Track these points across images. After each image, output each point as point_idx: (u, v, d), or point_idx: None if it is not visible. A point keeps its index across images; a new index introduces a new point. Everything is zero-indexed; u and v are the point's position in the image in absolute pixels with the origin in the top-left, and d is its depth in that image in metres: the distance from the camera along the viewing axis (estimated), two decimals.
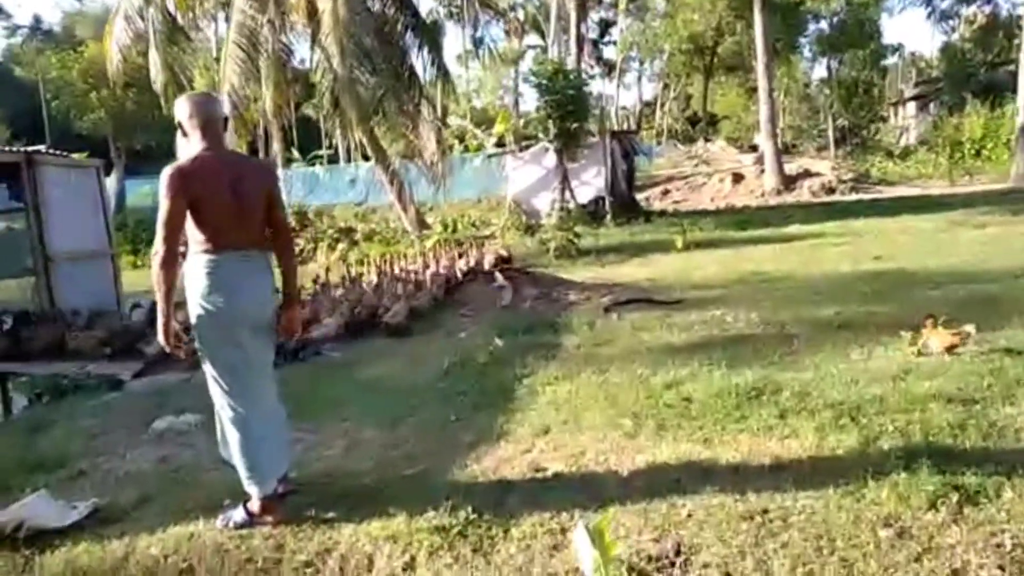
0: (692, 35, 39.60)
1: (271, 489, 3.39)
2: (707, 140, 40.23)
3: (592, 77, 36.11)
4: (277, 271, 3.60)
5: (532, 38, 44.39)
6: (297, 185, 27.04)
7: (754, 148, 33.09)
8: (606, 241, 14.55)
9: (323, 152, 30.55)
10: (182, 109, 3.33)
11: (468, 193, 23.54)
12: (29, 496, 3.64)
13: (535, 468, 3.82)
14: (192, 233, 3.24)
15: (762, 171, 25.95)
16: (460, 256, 10.35)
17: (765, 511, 3.14)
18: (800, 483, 3.35)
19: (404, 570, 3.04)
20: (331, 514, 3.43)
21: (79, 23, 45.90)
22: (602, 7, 48.04)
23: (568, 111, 16.43)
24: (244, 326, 3.30)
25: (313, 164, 29.86)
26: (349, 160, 29.92)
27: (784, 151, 29.44)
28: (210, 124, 3.32)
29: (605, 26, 51.37)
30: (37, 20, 65.84)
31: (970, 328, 5.12)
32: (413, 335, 7.48)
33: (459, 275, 9.40)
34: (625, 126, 46.53)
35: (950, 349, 5.04)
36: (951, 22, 42.46)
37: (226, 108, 3.45)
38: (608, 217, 17.15)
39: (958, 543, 2.77)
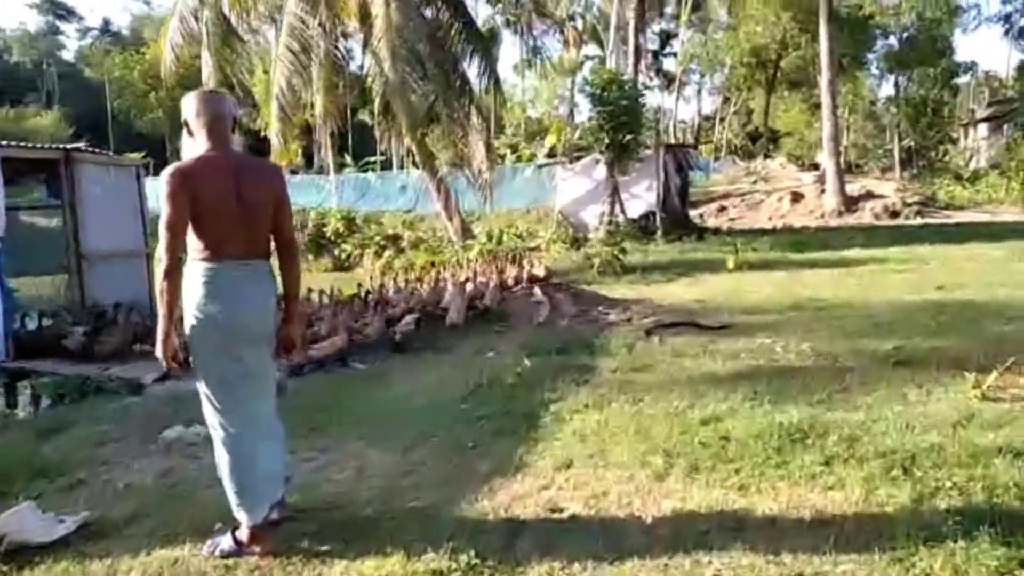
0: (755, 48, 38.75)
1: (261, 518, 3.15)
2: (767, 156, 39.42)
3: (649, 88, 35.58)
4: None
5: (591, 48, 44.09)
6: (348, 190, 27.19)
7: (815, 166, 32.25)
8: (655, 258, 14.14)
9: (376, 158, 30.66)
10: (188, 106, 3.13)
11: (518, 203, 23.27)
12: (15, 508, 3.46)
13: (551, 508, 3.53)
14: (191, 239, 3.03)
15: (823, 191, 25.16)
16: (500, 271, 10.09)
17: None
18: (842, 544, 3.02)
19: None
20: (325, 547, 3.19)
21: (146, 26, 47.35)
22: (664, 19, 47.53)
23: (621, 122, 16.06)
24: (242, 339, 3.08)
25: (366, 170, 29.98)
26: (402, 167, 29.99)
27: (847, 170, 28.55)
28: (217, 123, 3.12)
29: (666, 38, 50.83)
30: (106, 23, 68.18)
31: None
32: (441, 351, 7.23)
33: (498, 289, 9.12)
34: (682, 140, 45.85)
35: None
36: None
37: (233, 107, 3.23)
38: (659, 233, 16.72)
39: None
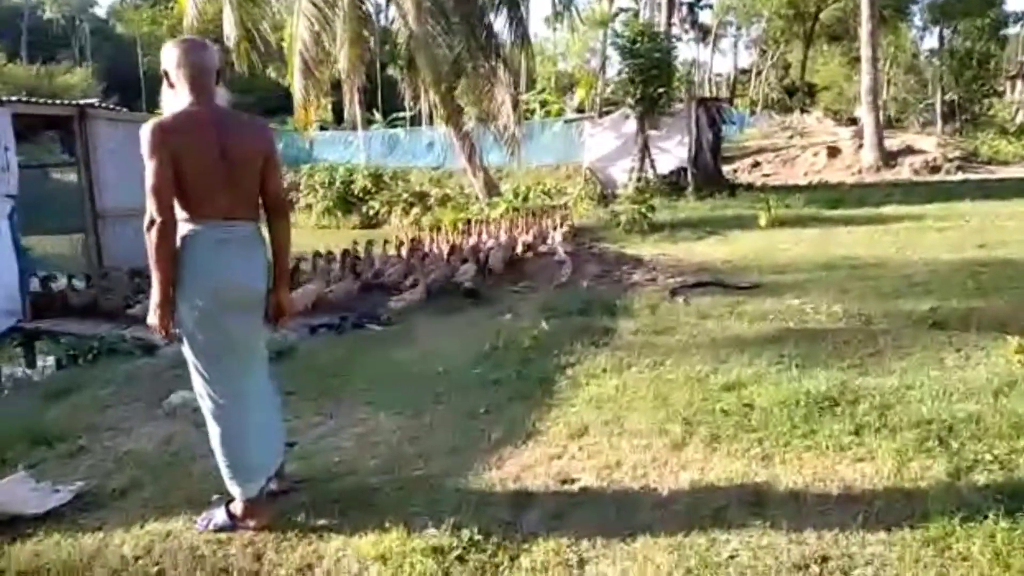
0: None
1: (255, 491, 3.01)
2: (804, 111, 38.36)
3: (680, 39, 34.65)
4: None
5: (625, 0, 43.00)
6: (376, 146, 26.95)
7: (854, 121, 31.28)
8: (685, 215, 13.75)
9: (405, 114, 30.31)
10: (169, 56, 2.92)
11: (547, 159, 22.87)
12: (8, 477, 3.38)
13: (562, 479, 3.36)
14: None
15: (860, 146, 24.35)
16: (527, 229, 9.85)
17: (824, 559, 2.62)
18: (871, 522, 2.82)
19: None
20: (323, 521, 3.06)
21: None
22: None
23: (652, 75, 15.55)
24: (228, 306, 2.90)
25: (395, 126, 29.65)
26: (431, 123, 29.63)
27: (886, 125, 27.64)
28: (200, 75, 2.91)
29: None
30: None
31: None
32: (460, 311, 7.06)
33: (519, 248, 8.91)
34: (717, 94, 44.80)
35: None
36: None
37: (216, 58, 3.01)
38: (689, 189, 16.25)
39: None
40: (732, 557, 2.66)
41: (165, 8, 35.65)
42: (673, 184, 16.50)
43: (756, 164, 25.79)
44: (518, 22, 16.20)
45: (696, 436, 3.68)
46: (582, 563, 2.71)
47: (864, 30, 23.00)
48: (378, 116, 30.03)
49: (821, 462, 3.33)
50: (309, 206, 23.83)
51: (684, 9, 43.43)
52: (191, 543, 2.97)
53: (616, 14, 40.12)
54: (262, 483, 3.04)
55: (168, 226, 2.77)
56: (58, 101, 8.65)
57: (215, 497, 3.21)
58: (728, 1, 45.26)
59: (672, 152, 17.26)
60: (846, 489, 3.09)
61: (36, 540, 3.07)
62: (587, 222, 13.01)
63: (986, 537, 2.61)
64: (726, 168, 21.29)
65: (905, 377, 4.34)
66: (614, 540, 2.81)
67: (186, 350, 2.97)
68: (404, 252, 9.55)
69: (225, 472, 3.00)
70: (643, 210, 11.88)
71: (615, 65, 19.28)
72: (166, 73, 2.93)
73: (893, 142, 24.49)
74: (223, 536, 2.98)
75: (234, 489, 3.01)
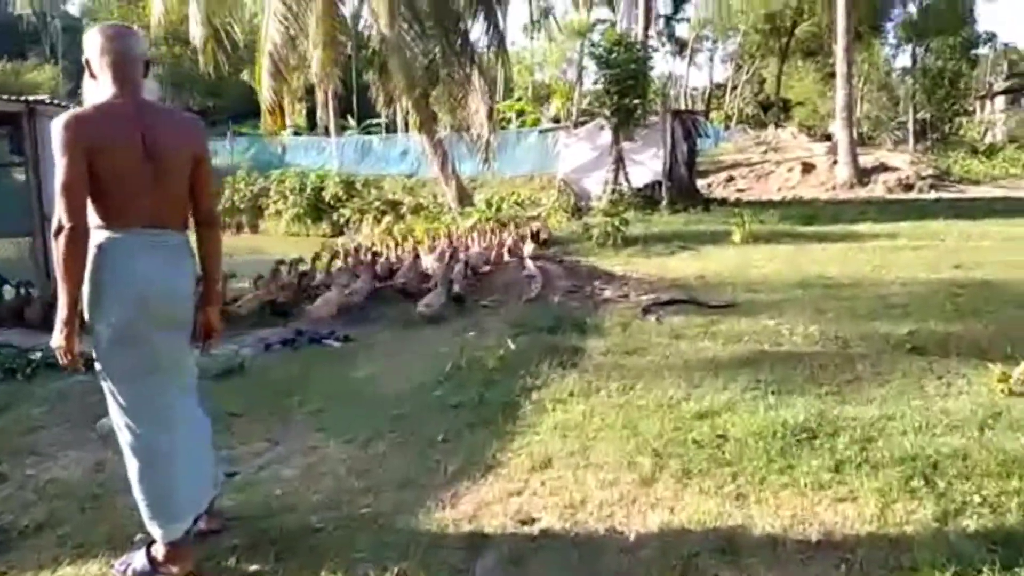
0: (769, 14, 37.74)
1: (179, 533, 2.70)
2: (778, 126, 38.52)
3: (656, 50, 34.69)
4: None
5: (603, 12, 43.00)
6: (350, 152, 26.58)
7: (827, 137, 31.38)
8: (658, 229, 13.57)
9: (380, 121, 29.97)
10: (91, 44, 2.63)
11: (522, 170, 22.67)
12: None
13: (522, 519, 3.09)
14: (88, 204, 2.54)
15: (834, 162, 24.41)
16: (497, 242, 9.59)
17: None
18: (854, 572, 2.61)
19: None
20: (255, 567, 2.77)
21: None
22: None
23: (628, 86, 15.40)
24: (150, 324, 2.60)
25: (369, 132, 29.31)
26: (406, 130, 29.34)
27: (859, 142, 27.75)
28: (124, 64, 2.62)
29: (679, 1, 49.58)
30: None
31: None
32: (423, 327, 6.77)
33: (487, 261, 8.65)
34: (693, 107, 44.89)
35: None
36: None
37: (144, 47, 2.72)
38: (664, 203, 16.09)
39: None
40: None
41: (137, 7, 35.01)
42: (647, 197, 16.32)
43: (730, 179, 25.76)
44: (495, 28, 15.97)
45: (667, 470, 3.44)
46: None
47: (839, 46, 23.08)
48: (352, 122, 29.69)
49: (799, 502, 3.10)
50: (279, 212, 23.41)
51: (661, 22, 43.66)
52: None
53: (594, 24, 40.16)
54: (188, 524, 2.73)
55: (79, 232, 2.46)
56: (9, 97, 8.22)
57: (137, 537, 2.90)
58: (705, 15, 45.37)
59: (647, 165, 17.10)
60: (826, 534, 2.87)
61: None
62: (560, 234, 12.76)
63: None
64: (701, 183, 21.21)
65: (886, 407, 4.14)
66: None
67: (100, 376, 2.66)
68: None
69: (145, 512, 2.69)
70: (616, 223, 11.66)
71: (592, 76, 19.13)
72: (88, 62, 2.64)
73: (867, 159, 24.60)
74: None
75: (155, 531, 2.69)
